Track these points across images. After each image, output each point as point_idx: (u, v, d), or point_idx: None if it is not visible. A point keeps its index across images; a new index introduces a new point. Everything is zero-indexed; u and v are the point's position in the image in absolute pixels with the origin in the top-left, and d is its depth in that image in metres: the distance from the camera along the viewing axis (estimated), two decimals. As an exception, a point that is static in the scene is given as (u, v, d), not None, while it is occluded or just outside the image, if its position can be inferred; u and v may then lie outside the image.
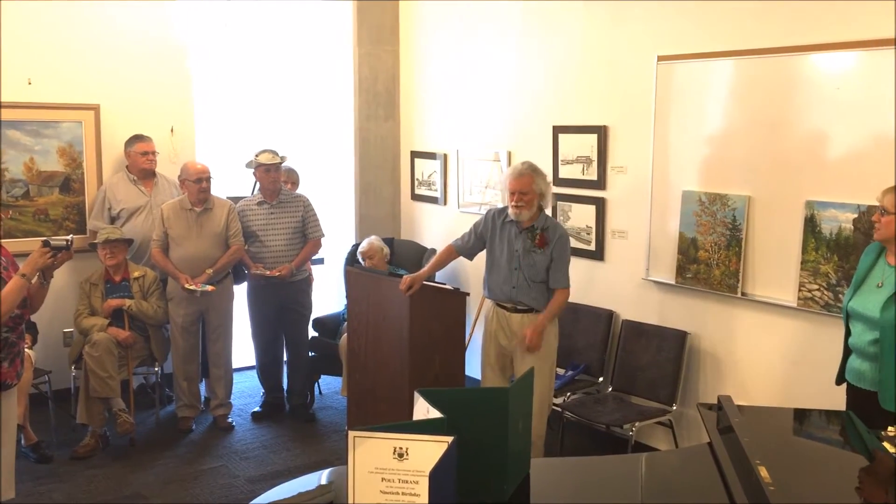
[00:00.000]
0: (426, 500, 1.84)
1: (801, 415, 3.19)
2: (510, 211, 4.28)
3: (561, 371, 5.02)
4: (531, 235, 4.29)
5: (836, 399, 3.43)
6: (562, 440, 4.94)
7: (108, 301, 5.16)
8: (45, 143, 5.50)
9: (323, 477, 2.53)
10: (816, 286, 4.04)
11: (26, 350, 4.34)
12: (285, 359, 5.81)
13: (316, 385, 6.01)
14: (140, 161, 5.57)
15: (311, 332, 5.89)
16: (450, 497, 1.93)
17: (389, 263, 5.83)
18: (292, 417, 5.63)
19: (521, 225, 4.30)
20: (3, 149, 5.36)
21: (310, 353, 5.80)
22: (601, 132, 5.08)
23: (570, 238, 5.12)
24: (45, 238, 3.62)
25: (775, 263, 4.25)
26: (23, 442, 4.72)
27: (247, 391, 6.08)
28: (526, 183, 4.23)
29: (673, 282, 4.73)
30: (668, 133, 4.70)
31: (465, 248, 4.54)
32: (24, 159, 5.44)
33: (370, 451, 1.88)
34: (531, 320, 4.31)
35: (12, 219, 5.32)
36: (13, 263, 3.66)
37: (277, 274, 5.38)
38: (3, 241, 3.72)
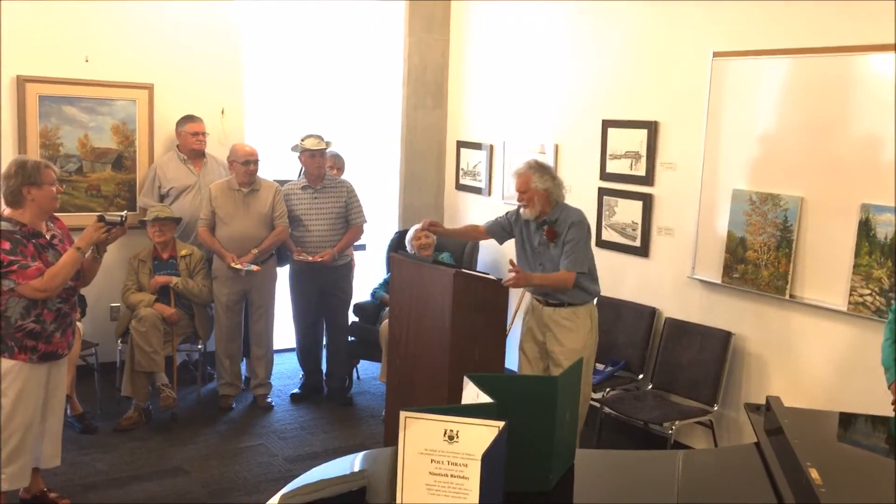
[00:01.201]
0: (475, 484, 1.85)
1: (849, 419, 3.13)
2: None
3: (601, 366, 5.00)
4: (542, 229, 4.31)
5: (886, 406, 3.37)
6: (599, 435, 4.92)
7: (155, 278, 5.24)
8: (99, 120, 5.60)
9: (356, 462, 2.54)
10: (868, 291, 3.96)
11: (76, 322, 4.44)
12: (325, 342, 5.86)
13: (355, 370, 6.05)
14: (190, 141, 5.65)
15: (352, 317, 5.93)
16: (499, 482, 1.93)
17: (435, 250, 5.85)
18: (330, 400, 5.68)
19: (536, 220, 4.31)
20: (58, 124, 5.47)
21: (349, 338, 5.84)
22: (651, 127, 5.03)
23: (615, 233, 5.08)
24: (100, 213, 3.69)
25: (826, 267, 4.17)
26: (69, 412, 4.82)
27: (286, 373, 6.15)
28: (523, 182, 4.28)
29: (719, 281, 4.67)
30: (720, 130, 4.63)
31: (494, 228, 4.60)
32: (79, 135, 5.55)
33: (421, 432, 1.89)
34: (562, 314, 4.29)
35: (65, 194, 5.39)
36: (68, 236, 3.75)
37: (320, 259, 5.42)
38: (55, 214, 3.79)
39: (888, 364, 3.36)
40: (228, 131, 6.02)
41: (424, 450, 1.89)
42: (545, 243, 4.31)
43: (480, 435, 1.87)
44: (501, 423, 1.87)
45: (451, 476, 1.89)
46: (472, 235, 4.72)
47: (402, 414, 1.90)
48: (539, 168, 4.32)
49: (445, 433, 1.89)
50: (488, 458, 1.80)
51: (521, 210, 4.35)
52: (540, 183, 4.26)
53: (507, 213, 4.56)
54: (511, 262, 4.25)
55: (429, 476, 1.89)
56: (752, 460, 2.51)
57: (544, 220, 4.31)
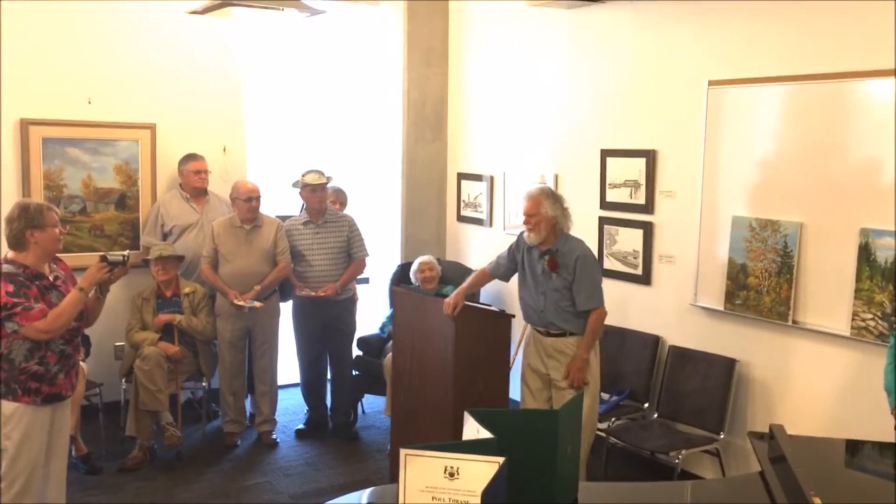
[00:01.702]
0: (476, 521, 1.84)
1: (854, 446, 3.11)
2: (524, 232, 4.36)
3: (605, 396, 4.98)
4: (544, 258, 4.31)
5: (891, 431, 3.35)
6: (606, 466, 4.88)
7: (158, 316, 5.26)
8: (102, 161, 5.65)
9: (365, 497, 2.54)
10: (871, 315, 3.96)
11: (80, 363, 4.44)
12: (329, 377, 5.85)
13: (359, 404, 6.04)
14: (193, 179, 5.69)
15: (356, 351, 5.92)
16: (500, 518, 1.93)
17: (439, 283, 5.87)
18: (335, 435, 5.66)
19: (540, 248, 4.31)
20: (62, 166, 5.52)
21: (354, 372, 5.83)
22: (650, 156, 5.07)
23: (617, 262, 5.09)
24: (102, 253, 3.71)
25: (828, 291, 4.18)
26: (73, 453, 4.81)
27: (291, 408, 6.13)
28: (533, 206, 4.29)
29: (721, 308, 4.67)
30: (719, 158, 4.66)
31: (499, 270, 4.60)
32: (82, 176, 5.59)
33: (421, 470, 1.89)
34: (565, 344, 4.32)
35: (69, 234, 5.44)
36: (71, 277, 3.76)
37: (323, 294, 5.44)
38: (59, 255, 3.82)
39: (891, 388, 3.35)
40: (230, 168, 6.08)
41: (425, 487, 1.89)
42: (547, 273, 4.32)
43: (481, 471, 1.87)
44: (501, 459, 1.87)
45: (453, 513, 1.88)
46: (483, 282, 4.74)
47: (402, 451, 1.90)
48: (551, 195, 4.35)
49: (446, 470, 1.89)
50: (488, 495, 1.79)
51: (526, 234, 4.35)
52: (550, 210, 4.28)
53: (507, 249, 4.57)
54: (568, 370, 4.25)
55: (430, 513, 1.89)
56: (758, 490, 2.50)
57: (547, 250, 4.32)
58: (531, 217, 4.29)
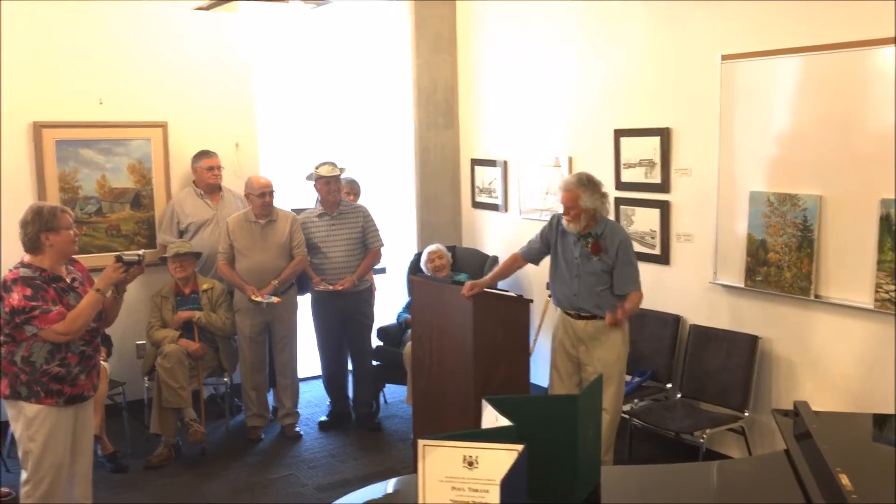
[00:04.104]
0: (497, 509, 1.82)
1: (880, 420, 3.07)
2: (563, 220, 4.32)
3: (628, 377, 4.94)
4: (586, 242, 4.27)
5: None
6: (630, 447, 4.86)
7: (178, 313, 5.27)
8: (115, 161, 5.67)
9: (389, 487, 2.54)
10: (894, 287, 3.90)
11: (102, 362, 4.47)
12: (350, 368, 5.86)
13: (381, 394, 6.04)
14: (206, 176, 5.70)
15: (375, 342, 5.92)
16: (521, 506, 1.91)
17: (452, 270, 5.85)
18: (358, 426, 5.67)
19: (579, 232, 4.28)
20: (76, 167, 5.54)
21: (374, 363, 5.84)
22: (664, 134, 5.01)
23: (634, 242, 5.05)
24: (117, 253, 3.72)
25: (850, 264, 4.11)
26: (99, 452, 4.85)
27: (313, 401, 6.15)
28: (571, 198, 4.25)
29: (742, 285, 4.62)
30: (734, 133, 4.60)
31: (531, 253, 4.57)
32: (97, 177, 5.62)
33: (440, 460, 1.87)
34: (595, 327, 4.30)
35: (86, 235, 5.48)
36: (88, 278, 3.78)
37: (340, 288, 5.43)
38: (77, 256, 3.83)
39: None
40: (243, 164, 6.07)
41: (445, 477, 1.88)
42: (586, 255, 4.29)
43: (500, 459, 1.85)
44: (520, 447, 1.85)
45: (474, 502, 1.87)
46: (514, 268, 4.68)
47: (420, 442, 1.88)
48: (589, 185, 4.27)
49: (465, 459, 1.87)
50: (508, 483, 1.77)
51: (565, 223, 4.32)
52: (588, 201, 4.24)
53: (540, 232, 4.54)
54: (607, 315, 4.23)
55: (451, 504, 1.88)
56: (785, 468, 2.47)
57: (589, 233, 4.29)
58: (570, 209, 4.26)
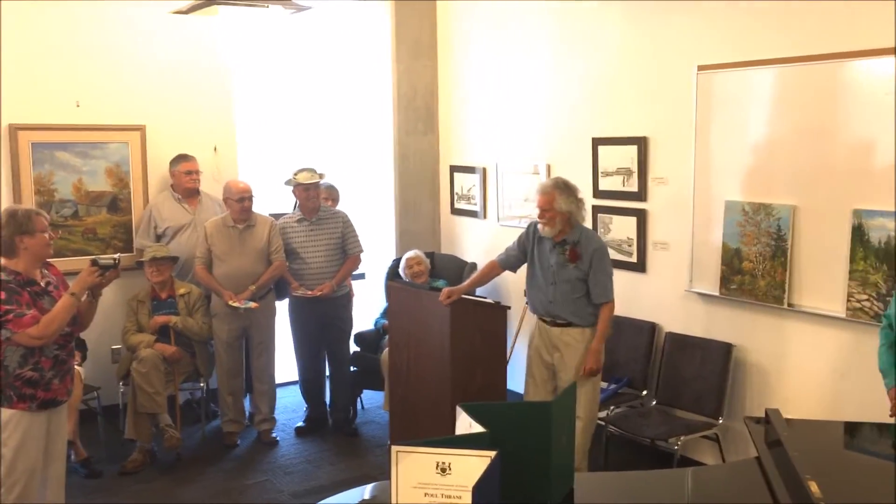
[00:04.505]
0: (470, 515, 1.83)
1: (851, 428, 3.12)
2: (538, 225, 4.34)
3: (604, 384, 4.97)
4: (563, 250, 4.29)
5: (886, 412, 3.35)
6: (606, 454, 4.88)
7: (154, 318, 5.24)
8: (92, 164, 5.63)
9: (366, 493, 2.54)
10: (866, 296, 3.95)
11: (76, 367, 4.44)
12: (327, 374, 5.85)
13: (358, 400, 6.03)
14: (184, 180, 5.67)
15: (353, 347, 5.92)
16: (493, 512, 1.92)
17: (430, 276, 5.86)
18: (335, 432, 5.66)
19: (554, 239, 4.30)
20: (52, 170, 5.50)
21: (352, 368, 5.83)
22: (641, 143, 5.05)
23: (611, 250, 5.08)
24: (93, 257, 3.70)
25: (823, 274, 4.17)
26: (73, 457, 4.80)
27: (290, 406, 6.13)
28: (546, 200, 4.26)
29: (717, 293, 4.66)
30: (710, 143, 4.65)
31: (509, 261, 4.57)
32: (73, 180, 5.57)
33: (413, 466, 1.88)
34: (570, 335, 4.32)
35: (62, 238, 5.43)
36: (63, 282, 3.75)
37: (319, 293, 5.42)
38: (52, 260, 3.80)
39: (885, 369, 3.34)
40: (222, 168, 6.05)
41: (417, 483, 1.89)
42: (563, 263, 4.30)
43: (473, 466, 1.86)
44: (493, 453, 1.86)
45: (446, 508, 1.88)
46: (492, 275, 4.67)
47: (394, 448, 1.89)
48: (565, 188, 4.29)
49: (438, 466, 1.89)
50: (480, 489, 1.79)
51: (540, 227, 4.33)
52: (564, 204, 4.25)
53: (517, 239, 4.55)
54: (584, 369, 4.26)
55: (424, 510, 1.88)
56: (754, 475, 2.50)
57: (564, 240, 4.31)
58: (545, 212, 4.27)
